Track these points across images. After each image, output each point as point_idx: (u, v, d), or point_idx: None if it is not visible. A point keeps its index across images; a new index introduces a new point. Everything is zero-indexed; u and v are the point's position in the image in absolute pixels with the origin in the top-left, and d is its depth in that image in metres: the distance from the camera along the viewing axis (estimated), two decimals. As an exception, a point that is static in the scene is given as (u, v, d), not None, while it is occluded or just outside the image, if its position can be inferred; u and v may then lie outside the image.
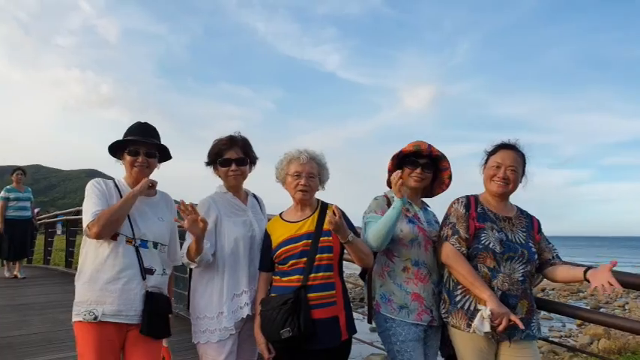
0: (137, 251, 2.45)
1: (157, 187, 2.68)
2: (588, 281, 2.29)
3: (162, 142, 2.60)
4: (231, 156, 2.68)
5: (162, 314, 2.51)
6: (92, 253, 2.43)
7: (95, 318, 2.34)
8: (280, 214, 2.73)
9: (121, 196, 2.48)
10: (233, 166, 2.67)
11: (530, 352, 2.47)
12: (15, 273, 8.92)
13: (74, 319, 2.41)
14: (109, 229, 2.35)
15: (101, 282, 2.38)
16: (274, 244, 2.59)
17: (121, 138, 2.56)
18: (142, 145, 2.53)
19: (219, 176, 2.76)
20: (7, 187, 8.74)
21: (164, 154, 2.67)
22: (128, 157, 2.54)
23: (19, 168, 8.92)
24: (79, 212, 10.47)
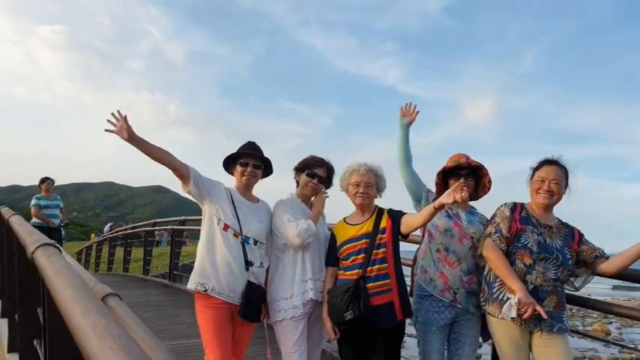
0: (242, 245, 2.98)
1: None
2: None
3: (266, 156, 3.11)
4: (319, 172, 3.16)
5: (257, 302, 2.98)
6: (207, 239, 2.97)
7: (205, 290, 2.87)
8: (344, 219, 3.19)
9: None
10: (316, 181, 3.16)
11: (561, 343, 2.69)
12: None
13: (189, 286, 2.96)
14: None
15: (213, 262, 2.91)
16: (339, 242, 3.06)
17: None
18: (250, 157, 3.07)
19: (298, 182, 3.26)
20: (37, 195, 8.82)
21: (267, 171, 3.21)
22: (239, 168, 3.07)
23: (48, 177, 8.89)
24: (186, 222, 9.98)
